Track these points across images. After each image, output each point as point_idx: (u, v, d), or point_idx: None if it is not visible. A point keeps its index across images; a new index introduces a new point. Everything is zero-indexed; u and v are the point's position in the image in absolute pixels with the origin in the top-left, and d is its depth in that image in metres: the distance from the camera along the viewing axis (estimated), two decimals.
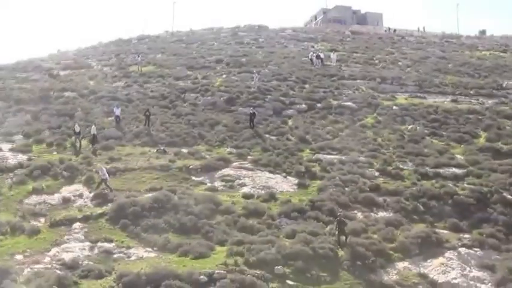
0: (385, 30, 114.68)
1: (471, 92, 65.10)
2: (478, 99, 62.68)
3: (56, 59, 79.32)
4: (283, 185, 42.27)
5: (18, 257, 30.44)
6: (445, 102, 61.52)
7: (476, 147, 50.04)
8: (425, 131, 53.45)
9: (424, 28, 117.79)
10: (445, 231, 37.20)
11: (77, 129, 47.40)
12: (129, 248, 32.42)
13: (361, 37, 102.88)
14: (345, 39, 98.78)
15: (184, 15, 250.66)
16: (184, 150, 46.89)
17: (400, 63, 78.18)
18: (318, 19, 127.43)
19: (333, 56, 76.77)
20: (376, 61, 78.98)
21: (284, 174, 43.78)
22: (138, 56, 72.66)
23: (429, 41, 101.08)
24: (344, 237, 33.73)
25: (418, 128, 53.82)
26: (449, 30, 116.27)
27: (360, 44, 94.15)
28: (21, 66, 73.94)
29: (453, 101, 62.09)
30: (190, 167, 43.48)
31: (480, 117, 57.04)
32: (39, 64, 73.83)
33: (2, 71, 70.88)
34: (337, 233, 34.01)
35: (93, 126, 48.28)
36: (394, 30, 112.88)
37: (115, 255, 31.59)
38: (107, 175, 38.72)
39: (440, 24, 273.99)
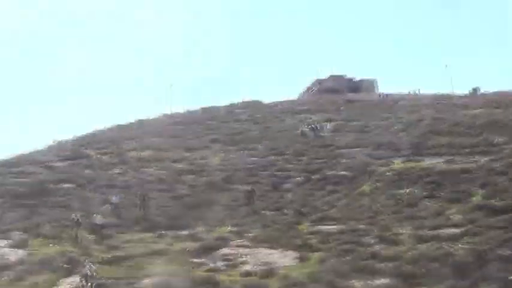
0: (379, 96, 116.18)
1: (466, 150, 65.49)
2: (474, 157, 62.98)
3: (54, 151, 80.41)
4: (283, 260, 42.27)
5: None
6: (440, 164, 61.90)
7: (472, 206, 50.19)
8: (424, 193, 53.67)
9: (419, 90, 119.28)
10: None
11: (75, 218, 47.82)
12: None
13: (356, 105, 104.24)
14: (338, 109, 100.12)
15: (182, 97, 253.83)
16: (183, 233, 47.18)
17: (395, 127, 79.07)
18: (313, 89, 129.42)
19: (328, 126, 78.05)
20: (371, 128, 79.92)
21: (283, 248, 43.92)
22: (134, 142, 73.72)
23: (422, 103, 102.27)
24: None
25: (415, 191, 54.06)
26: (444, 90, 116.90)
27: (356, 111, 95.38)
28: (17, 161, 74.79)
29: (448, 161, 62.45)
30: (188, 249, 43.70)
31: (475, 175, 57.19)
32: (36, 158, 74.73)
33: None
34: None
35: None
36: (386, 95, 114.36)
37: None
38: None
39: (436, 83, 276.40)
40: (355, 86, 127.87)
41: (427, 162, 62.89)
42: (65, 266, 41.37)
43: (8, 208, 54.88)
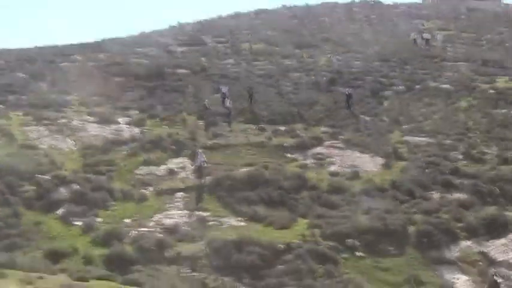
0: (502, 5, 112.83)
1: None
2: None
3: (174, 34, 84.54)
4: (370, 164, 45.62)
5: (127, 220, 35.64)
6: None
7: None
8: None
9: None
10: None
11: (207, 105, 52.86)
12: (222, 217, 36.87)
13: (477, 14, 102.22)
14: (459, 17, 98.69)
15: None
16: (282, 128, 50.89)
17: (506, 44, 78.37)
18: None
19: (439, 36, 78.25)
20: (484, 42, 79.59)
21: (372, 154, 47.08)
22: (249, 35, 77.00)
23: None
24: None
25: (510, 112, 55.14)
26: None
27: (473, 22, 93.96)
28: (141, 40, 79.65)
29: None
30: (285, 144, 47.63)
31: None
32: (157, 39, 79.24)
33: (124, 46, 76.57)
34: None
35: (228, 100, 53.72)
36: (509, 6, 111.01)
37: (209, 223, 36.07)
38: (203, 160, 42.07)
39: None
40: None
41: None
42: (172, 147, 46.12)
43: (128, 88, 59.55)
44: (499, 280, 30.03)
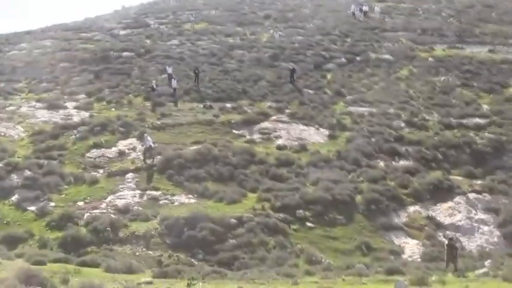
0: None
1: (510, 41, 67.26)
2: None
3: (118, 18, 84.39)
4: (316, 136, 46.70)
5: (80, 203, 35.92)
6: (482, 53, 64.02)
7: (503, 98, 53.03)
8: (457, 82, 56.51)
9: None
10: (460, 178, 41.11)
11: (154, 86, 53.25)
12: (173, 195, 37.33)
13: None
14: None
15: None
16: (228, 105, 51.49)
17: (443, 13, 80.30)
18: None
19: (377, 8, 79.68)
20: (420, 12, 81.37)
21: (317, 126, 48.13)
22: (192, 16, 77.35)
23: None
24: (453, 265, 28.71)
25: (450, 79, 56.84)
26: None
27: None
28: (86, 26, 79.43)
29: (490, 51, 64.59)
30: (232, 121, 48.31)
31: None
32: (102, 24, 79.04)
33: (68, 31, 76.28)
34: (446, 258, 29.34)
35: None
36: None
37: (161, 202, 36.52)
38: (151, 143, 41.99)
39: None
40: None
41: (469, 50, 65.16)
42: (121, 129, 46.42)
43: (75, 73, 59.71)
44: (456, 244, 30.73)
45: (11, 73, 59.21)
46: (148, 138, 42.16)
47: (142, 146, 42.49)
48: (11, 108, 50.13)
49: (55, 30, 78.19)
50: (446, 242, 29.33)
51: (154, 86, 53.10)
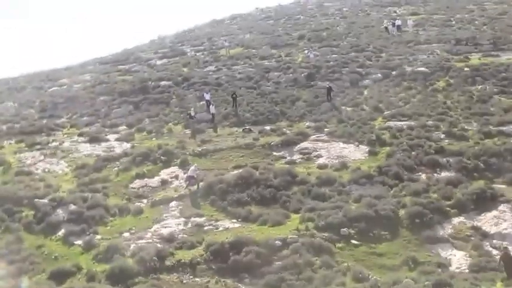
0: None
1: None
2: None
3: (155, 48, 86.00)
4: (356, 153, 46.67)
5: (126, 234, 36.46)
6: None
7: None
8: (495, 89, 56.02)
9: None
10: (503, 186, 40.48)
11: (192, 113, 54.19)
12: (217, 220, 37.61)
13: None
14: (428, 0, 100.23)
15: None
16: (267, 128, 52.04)
17: (476, 22, 79.87)
18: None
19: (410, 22, 79.76)
20: (453, 22, 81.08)
21: (357, 143, 48.14)
22: (226, 41, 78.44)
23: None
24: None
25: (487, 87, 56.42)
26: None
27: (442, 3, 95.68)
28: (124, 58, 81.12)
29: None
30: (272, 143, 48.70)
31: None
32: (139, 55, 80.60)
33: (107, 64, 78.02)
34: (506, 269, 29.59)
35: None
36: None
37: (205, 228, 36.77)
38: (195, 173, 42.46)
39: None
40: None
41: (505, 57, 64.54)
42: (162, 158, 47.16)
43: (115, 105, 61.08)
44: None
45: (52, 109, 60.94)
46: (193, 167, 42.76)
47: (185, 173, 43.03)
48: (54, 144, 51.47)
49: (93, 64, 79.96)
50: (501, 252, 28.96)
51: (192, 114, 53.91)
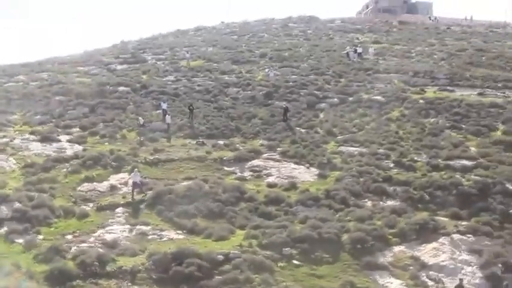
0: (430, 19, 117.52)
1: (499, 85, 68.07)
2: (504, 92, 65.67)
3: (116, 52, 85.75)
4: (305, 175, 47.21)
5: (69, 236, 36.23)
6: (471, 96, 64.66)
7: (491, 140, 53.63)
8: (447, 124, 57.14)
9: (471, 17, 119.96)
10: (445, 219, 41.30)
11: (141, 122, 54.38)
12: (162, 230, 37.62)
13: (408, 27, 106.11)
14: (391, 30, 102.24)
15: (241, 5, 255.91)
16: (221, 142, 52.43)
17: (435, 56, 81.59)
18: (368, 9, 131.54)
19: (371, 50, 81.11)
20: (413, 54, 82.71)
21: (307, 165, 48.70)
22: (188, 53, 78.70)
23: (474, 31, 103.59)
24: None
25: (439, 121, 57.51)
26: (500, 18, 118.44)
27: (405, 35, 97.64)
28: (83, 59, 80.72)
29: (479, 94, 65.20)
30: (224, 158, 49.04)
31: (501, 110, 59.93)
32: (99, 58, 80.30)
33: (66, 64, 77.51)
34: None
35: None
36: (437, 20, 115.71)
37: (149, 237, 36.82)
38: (138, 179, 42.51)
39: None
40: (410, 8, 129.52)
41: (459, 93, 65.91)
42: (113, 163, 47.10)
43: (71, 106, 60.77)
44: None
45: (6, 105, 60.14)
46: (137, 174, 42.75)
47: (131, 180, 43.10)
48: (4, 140, 50.80)
49: (52, 63, 79.31)
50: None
51: (141, 122, 54.10)
